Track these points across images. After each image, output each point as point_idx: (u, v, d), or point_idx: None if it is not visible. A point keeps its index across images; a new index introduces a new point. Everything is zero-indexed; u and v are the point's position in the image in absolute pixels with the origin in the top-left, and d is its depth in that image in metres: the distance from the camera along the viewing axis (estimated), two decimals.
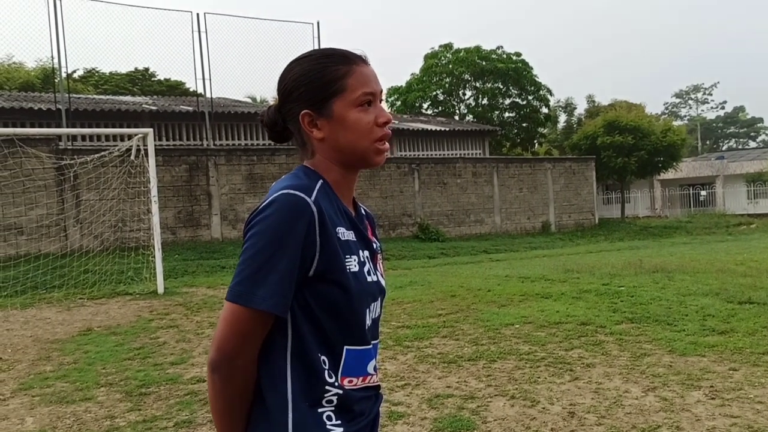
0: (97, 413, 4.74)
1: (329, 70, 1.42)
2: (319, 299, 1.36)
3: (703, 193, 39.83)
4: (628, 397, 4.65)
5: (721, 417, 4.18)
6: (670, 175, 34.23)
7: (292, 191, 1.33)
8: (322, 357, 1.37)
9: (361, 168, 1.50)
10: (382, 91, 1.47)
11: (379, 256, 1.58)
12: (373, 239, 1.57)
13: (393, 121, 1.45)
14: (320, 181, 1.41)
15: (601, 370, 5.35)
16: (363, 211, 1.59)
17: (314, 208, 1.33)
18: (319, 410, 1.37)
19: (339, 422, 1.38)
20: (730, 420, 4.12)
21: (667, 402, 4.51)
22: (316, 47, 1.55)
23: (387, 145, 1.47)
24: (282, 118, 1.49)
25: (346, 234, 1.41)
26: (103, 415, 4.69)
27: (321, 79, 1.42)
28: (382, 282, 1.54)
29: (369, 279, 1.45)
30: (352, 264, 1.40)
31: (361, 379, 1.44)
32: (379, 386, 1.54)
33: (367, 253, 1.48)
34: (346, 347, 1.40)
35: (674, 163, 30.59)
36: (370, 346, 1.47)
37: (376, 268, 1.51)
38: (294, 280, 1.31)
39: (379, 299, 1.52)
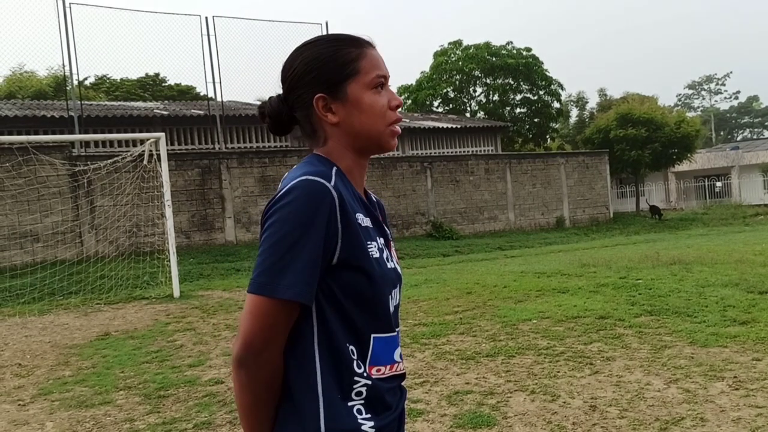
0: (117, 416, 4.75)
1: (342, 52, 1.40)
2: (345, 287, 1.33)
3: (719, 184, 39.44)
4: (650, 390, 4.59)
5: (746, 407, 4.12)
6: (684, 167, 33.97)
7: (311, 177, 1.30)
8: (350, 347, 1.34)
9: (374, 152, 1.47)
10: (389, 77, 1.46)
11: (393, 244, 1.56)
12: (385, 227, 1.55)
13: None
14: (335, 168, 1.39)
15: (622, 363, 5.29)
16: (374, 199, 1.57)
17: (335, 194, 1.30)
18: (350, 404, 1.34)
19: (369, 416, 1.35)
20: (756, 410, 4.05)
21: (690, 394, 4.45)
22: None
23: (399, 129, 1.46)
24: (288, 107, 1.45)
25: (365, 220, 1.39)
26: (123, 418, 4.69)
27: (335, 61, 1.40)
28: (399, 269, 1.52)
29: (389, 265, 1.43)
30: (374, 250, 1.37)
31: (388, 367, 1.41)
32: (404, 374, 1.51)
33: (382, 240, 1.46)
34: (373, 335, 1.38)
35: (689, 155, 30.32)
36: (395, 333, 1.44)
37: (391, 255, 1.49)
38: (318, 267, 1.28)
39: (398, 286, 1.50)
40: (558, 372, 5.18)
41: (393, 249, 1.54)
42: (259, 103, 1.57)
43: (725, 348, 5.53)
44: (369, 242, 1.37)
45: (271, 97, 1.48)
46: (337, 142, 1.43)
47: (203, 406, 4.84)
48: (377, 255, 1.38)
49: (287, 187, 1.30)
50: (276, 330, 1.29)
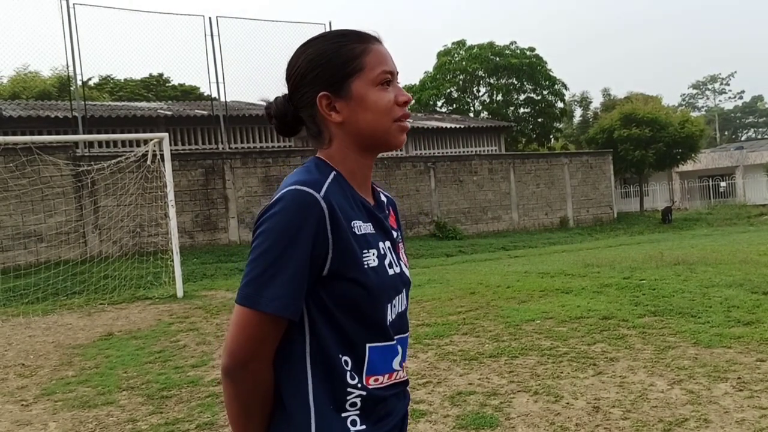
0: (119, 417, 4.75)
1: (346, 48, 1.36)
2: (337, 298, 1.29)
3: (723, 184, 39.36)
4: (654, 391, 4.57)
5: (750, 409, 4.10)
6: (688, 167, 33.89)
7: (300, 187, 1.26)
8: (344, 357, 1.31)
9: (382, 150, 1.42)
10: (398, 73, 1.41)
11: (401, 246, 1.50)
12: (395, 227, 1.50)
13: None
14: (332, 174, 1.34)
15: (625, 364, 5.27)
16: (383, 198, 1.51)
17: (324, 204, 1.26)
18: (343, 415, 1.31)
19: (364, 427, 1.33)
20: (760, 412, 4.03)
21: (693, 395, 4.44)
22: None
23: (408, 124, 1.40)
24: (293, 107, 1.41)
25: (362, 227, 1.34)
26: (125, 419, 4.69)
27: (338, 58, 1.35)
28: (407, 272, 1.47)
29: (390, 272, 1.37)
30: (371, 259, 1.33)
31: (387, 376, 1.38)
32: (407, 381, 1.48)
33: (388, 243, 1.41)
34: (368, 345, 1.34)
35: (693, 155, 30.27)
36: (394, 342, 1.39)
37: (399, 259, 1.44)
38: (305, 280, 1.25)
39: (404, 291, 1.45)
40: (561, 373, 5.16)
41: (402, 251, 1.49)
42: (262, 103, 1.53)
43: (729, 349, 5.51)
44: (366, 251, 1.32)
45: (276, 98, 1.44)
46: (341, 143, 1.38)
47: (206, 406, 4.84)
48: (375, 264, 1.33)
49: (277, 196, 1.28)
50: (262, 342, 1.26)
